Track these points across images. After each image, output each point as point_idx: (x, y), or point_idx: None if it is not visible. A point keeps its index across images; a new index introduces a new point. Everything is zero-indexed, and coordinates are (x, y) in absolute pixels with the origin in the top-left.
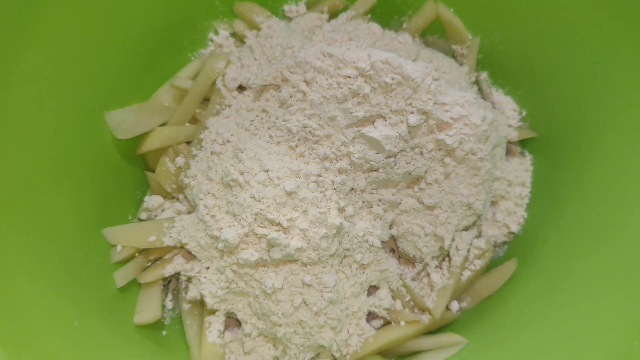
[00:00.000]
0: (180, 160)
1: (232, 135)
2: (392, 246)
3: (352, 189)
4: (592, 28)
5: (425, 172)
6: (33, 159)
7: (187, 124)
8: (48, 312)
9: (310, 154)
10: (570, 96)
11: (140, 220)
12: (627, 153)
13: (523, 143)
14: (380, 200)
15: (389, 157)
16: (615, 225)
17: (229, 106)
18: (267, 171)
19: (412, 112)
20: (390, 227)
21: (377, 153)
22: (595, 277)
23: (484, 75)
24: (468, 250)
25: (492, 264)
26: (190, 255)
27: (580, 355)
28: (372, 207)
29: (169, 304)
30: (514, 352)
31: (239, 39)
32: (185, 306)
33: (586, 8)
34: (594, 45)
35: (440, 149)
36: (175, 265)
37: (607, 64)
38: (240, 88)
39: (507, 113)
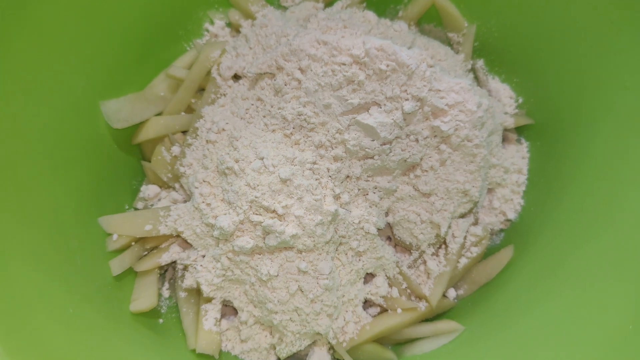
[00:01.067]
0: (176, 150)
1: (227, 123)
2: (388, 234)
3: (348, 176)
4: (588, 13)
5: (421, 159)
6: (29, 149)
7: (183, 113)
8: (44, 299)
9: (306, 141)
10: (567, 82)
11: (137, 209)
12: (624, 137)
13: (519, 130)
14: (375, 188)
15: (384, 144)
16: (611, 212)
17: (225, 95)
18: (262, 159)
19: (407, 99)
20: (387, 214)
21: (372, 140)
22: (591, 263)
23: (480, 62)
24: (465, 238)
25: (489, 251)
26: (186, 244)
27: (576, 341)
28: (367, 194)
29: (166, 293)
30: (511, 339)
31: (234, 28)
32: (182, 294)
33: None
34: (590, 31)
35: (435, 136)
36: (171, 253)
37: (603, 48)
38: (236, 77)
39: (503, 100)
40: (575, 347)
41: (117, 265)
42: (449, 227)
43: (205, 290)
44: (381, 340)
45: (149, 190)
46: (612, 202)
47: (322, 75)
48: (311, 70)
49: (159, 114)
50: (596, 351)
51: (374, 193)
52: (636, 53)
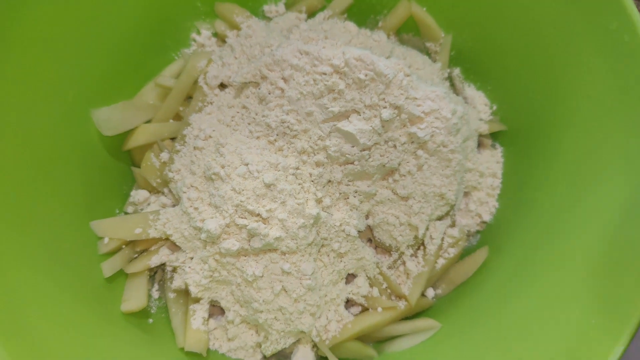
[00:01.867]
0: (164, 156)
1: (213, 130)
2: (369, 236)
3: (329, 181)
4: (553, 24)
5: (399, 164)
6: (23, 156)
7: (171, 120)
8: (39, 300)
9: (289, 148)
10: (537, 90)
11: (127, 213)
12: (587, 143)
13: (494, 136)
14: (356, 192)
15: (364, 150)
16: (578, 213)
17: (211, 103)
18: (247, 165)
19: (385, 107)
20: (367, 217)
21: (353, 146)
22: (559, 262)
23: (456, 71)
24: (442, 239)
25: (466, 252)
26: (175, 246)
27: (545, 334)
28: (348, 198)
29: (155, 294)
30: (486, 334)
31: (220, 38)
32: (171, 295)
33: (547, 5)
34: (556, 41)
35: (412, 142)
36: (160, 256)
37: (567, 58)
38: (222, 86)
39: (478, 107)
40: (544, 339)
41: (109, 268)
42: (427, 229)
43: (193, 291)
44: (362, 338)
45: (138, 195)
46: (578, 204)
47: (304, 85)
48: (294, 79)
49: (148, 122)
50: (563, 343)
51: (355, 197)
52: (595, 65)
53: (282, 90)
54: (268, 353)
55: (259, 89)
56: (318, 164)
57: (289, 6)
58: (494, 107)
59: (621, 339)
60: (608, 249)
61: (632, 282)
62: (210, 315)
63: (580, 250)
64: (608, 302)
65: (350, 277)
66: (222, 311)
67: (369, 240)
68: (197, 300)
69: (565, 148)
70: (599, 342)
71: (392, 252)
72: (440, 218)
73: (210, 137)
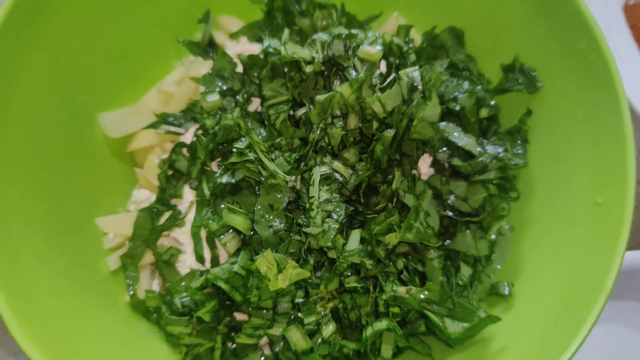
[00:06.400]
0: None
1: None
2: None
3: None
4: (529, 43)
5: None
6: (34, 155)
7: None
8: (53, 291)
9: None
10: (507, 101)
11: (129, 212)
12: (553, 155)
13: None
14: None
15: None
16: (547, 212)
17: None
18: None
19: None
20: None
21: None
22: (530, 258)
23: None
24: None
25: None
26: (176, 242)
27: (518, 327)
28: None
29: (156, 287)
30: None
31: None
32: None
33: (522, 22)
34: (530, 57)
35: None
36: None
37: (539, 72)
38: None
39: None
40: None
41: (114, 262)
42: None
43: None
44: None
45: (140, 194)
46: (543, 215)
47: None
48: None
49: (151, 125)
50: (535, 331)
51: None
52: (564, 80)
53: None
54: None
55: None
56: None
57: None
58: None
59: None
60: None
61: None
62: None
63: (549, 247)
64: None
65: None
66: None
67: None
68: None
69: (532, 158)
70: (565, 335)
71: None
72: None
73: None
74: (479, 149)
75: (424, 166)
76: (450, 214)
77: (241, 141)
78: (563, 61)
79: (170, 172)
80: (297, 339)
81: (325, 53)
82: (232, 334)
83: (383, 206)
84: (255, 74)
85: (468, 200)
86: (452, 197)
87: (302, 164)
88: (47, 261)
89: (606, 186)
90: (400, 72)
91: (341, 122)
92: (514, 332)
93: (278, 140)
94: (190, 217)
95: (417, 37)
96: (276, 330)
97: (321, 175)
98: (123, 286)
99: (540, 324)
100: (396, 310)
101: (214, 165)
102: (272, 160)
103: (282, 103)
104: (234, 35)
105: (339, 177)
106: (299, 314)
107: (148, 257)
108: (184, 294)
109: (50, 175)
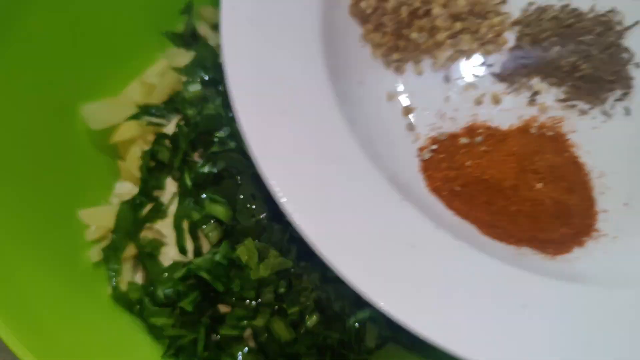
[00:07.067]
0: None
1: None
2: None
3: None
4: None
5: None
6: (15, 147)
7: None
8: (33, 282)
9: None
10: None
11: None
12: None
13: None
14: None
15: None
16: None
17: None
18: None
19: None
20: None
21: None
22: None
23: None
24: None
25: None
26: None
27: None
28: None
29: (139, 279)
30: None
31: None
32: None
33: None
34: None
35: None
36: None
37: None
38: None
39: None
40: None
41: (96, 253)
42: None
43: None
44: None
45: (123, 186)
46: None
47: None
48: None
49: (134, 117)
50: None
51: None
52: None
53: None
54: None
55: None
56: None
57: None
58: None
59: None
60: None
61: None
62: None
63: None
64: None
65: None
66: None
67: None
68: None
69: None
70: None
71: None
72: None
73: None
74: None
75: None
76: None
77: (223, 130)
78: None
79: (152, 164)
80: (280, 329)
81: None
82: (216, 326)
83: None
84: None
85: None
86: None
87: None
88: (29, 253)
89: None
90: None
91: None
92: None
93: None
94: (173, 208)
95: None
96: (260, 322)
97: None
98: (106, 279)
99: None
100: None
101: (196, 157)
102: None
103: None
104: (216, 27)
105: None
106: (283, 305)
107: (131, 250)
108: (167, 285)
109: (31, 167)
